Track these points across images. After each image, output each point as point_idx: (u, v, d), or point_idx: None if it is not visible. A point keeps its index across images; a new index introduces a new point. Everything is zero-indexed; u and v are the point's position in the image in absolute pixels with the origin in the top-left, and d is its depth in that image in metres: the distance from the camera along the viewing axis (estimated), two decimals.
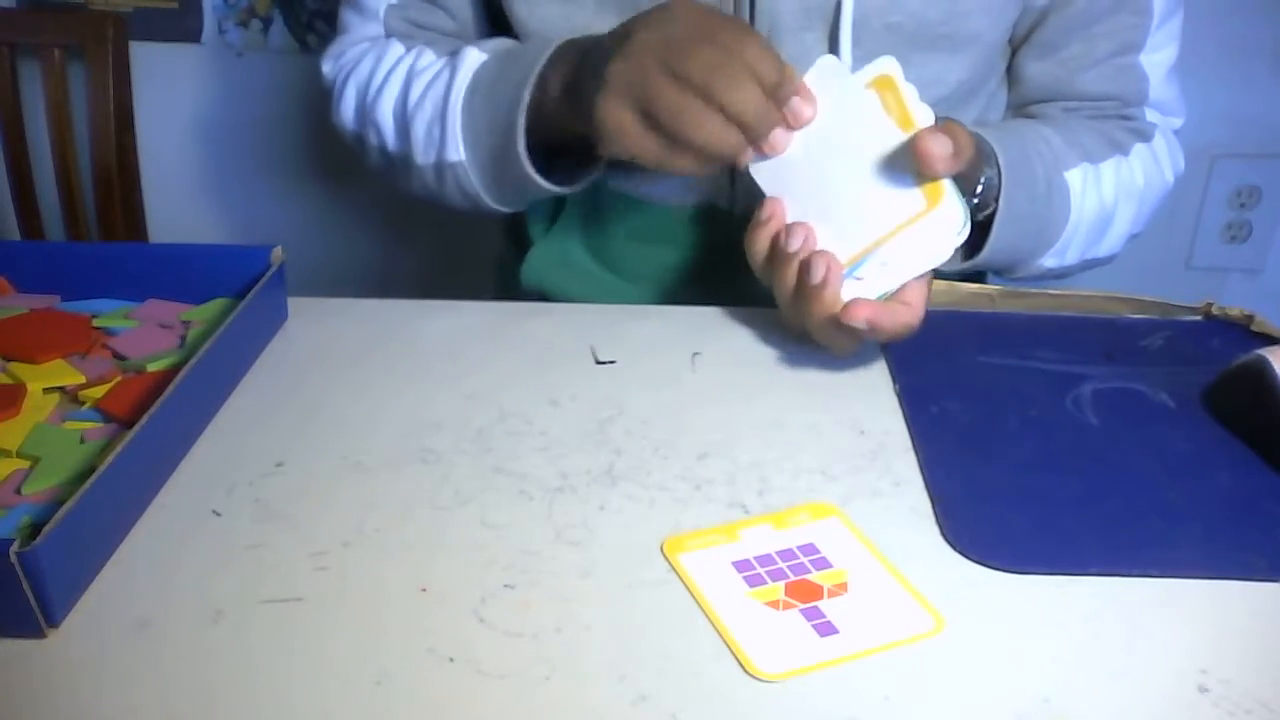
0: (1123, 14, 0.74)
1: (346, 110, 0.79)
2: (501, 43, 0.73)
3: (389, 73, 0.77)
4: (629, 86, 0.58)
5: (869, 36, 0.70)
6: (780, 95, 0.57)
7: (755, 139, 0.58)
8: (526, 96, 0.66)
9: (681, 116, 0.56)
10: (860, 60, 0.71)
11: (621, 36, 0.59)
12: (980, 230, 0.69)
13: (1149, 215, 0.78)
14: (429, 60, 0.75)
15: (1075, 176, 0.71)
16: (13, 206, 1.32)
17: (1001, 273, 0.75)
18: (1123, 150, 0.75)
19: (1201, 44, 1.29)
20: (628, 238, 0.80)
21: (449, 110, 0.71)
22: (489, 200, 0.74)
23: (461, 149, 0.71)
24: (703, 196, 0.77)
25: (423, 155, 0.74)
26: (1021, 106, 0.80)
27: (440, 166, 0.73)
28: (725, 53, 0.56)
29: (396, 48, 0.78)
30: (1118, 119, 0.77)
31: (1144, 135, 0.77)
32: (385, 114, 0.76)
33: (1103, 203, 0.73)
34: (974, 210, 0.67)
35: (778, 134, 0.59)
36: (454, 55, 0.73)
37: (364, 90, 0.78)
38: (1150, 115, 0.78)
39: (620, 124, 0.58)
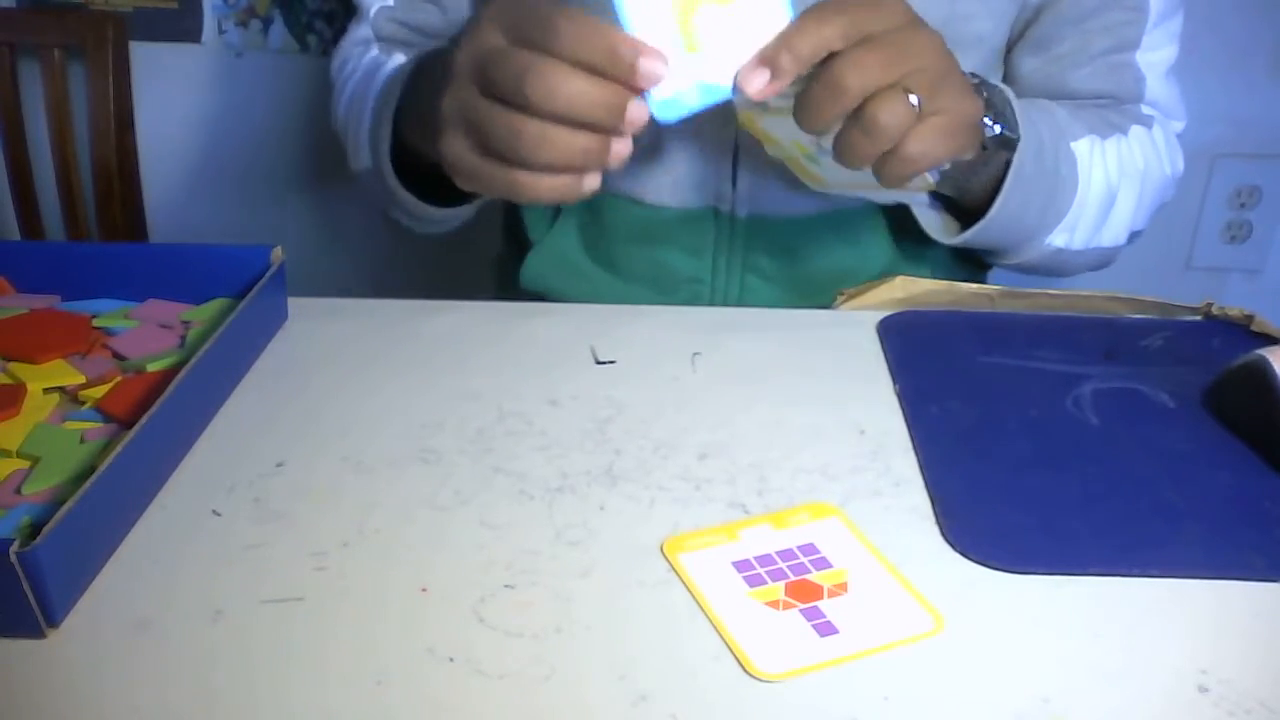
0: (1116, 10, 0.74)
1: (331, 116, 0.81)
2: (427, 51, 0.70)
3: (348, 80, 0.78)
4: (460, 121, 0.52)
5: None
6: (619, 67, 0.47)
7: (612, 130, 0.50)
8: (387, 126, 0.65)
9: (516, 141, 0.49)
10: None
11: (448, 59, 0.53)
12: (964, 210, 0.67)
13: (1150, 207, 0.77)
14: (374, 68, 0.75)
15: (1083, 147, 0.70)
16: (13, 206, 1.32)
17: (1006, 253, 0.72)
18: (1122, 130, 0.73)
19: (1201, 44, 1.29)
20: (628, 240, 0.80)
21: (362, 119, 0.72)
22: (402, 218, 0.74)
23: (368, 157, 0.71)
24: (704, 199, 0.77)
25: (352, 160, 0.75)
26: None
27: (360, 174, 0.73)
28: (534, 55, 0.48)
29: (369, 54, 0.78)
30: (1118, 113, 0.77)
31: (1143, 121, 0.76)
32: (339, 122, 0.78)
33: (1108, 179, 0.71)
34: (975, 167, 0.64)
35: (634, 108, 0.48)
36: (385, 63, 0.74)
37: (335, 98, 0.80)
38: (1147, 112, 0.77)
39: (468, 165, 0.52)
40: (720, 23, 0.50)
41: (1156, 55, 0.76)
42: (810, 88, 0.51)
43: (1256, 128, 1.36)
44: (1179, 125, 0.80)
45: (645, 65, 0.47)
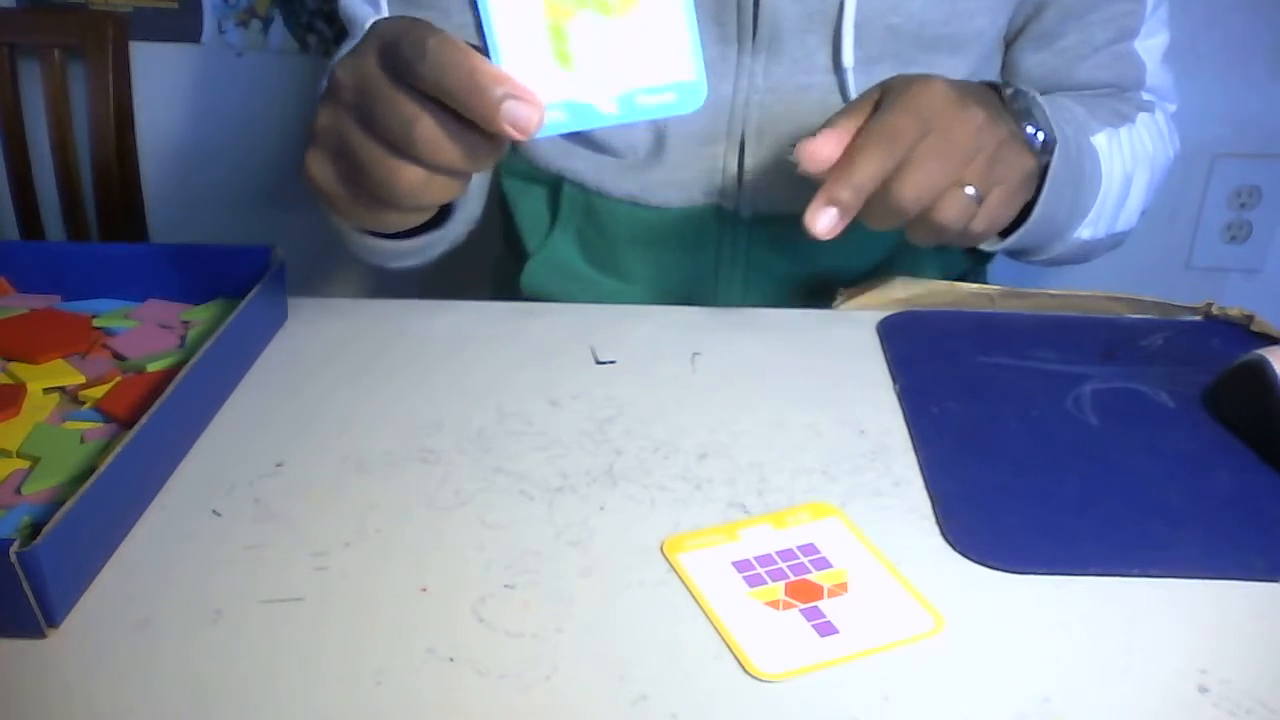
0: (1118, 1, 0.74)
1: None
2: None
3: None
4: (332, 145, 0.48)
5: (871, 38, 0.70)
6: (485, 109, 0.43)
7: (468, 171, 0.47)
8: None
9: (391, 188, 0.47)
10: (863, 62, 0.72)
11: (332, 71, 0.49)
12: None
13: (1157, 187, 0.77)
14: None
15: (1101, 141, 0.70)
16: (13, 206, 1.32)
17: (1036, 251, 0.72)
18: (1129, 120, 0.74)
19: (1201, 44, 1.29)
20: (630, 242, 0.80)
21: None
22: (361, 254, 0.68)
23: None
24: (708, 197, 0.77)
25: None
26: None
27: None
28: (410, 104, 0.45)
29: None
30: (1119, 100, 0.77)
31: (1145, 107, 0.77)
32: None
33: (1125, 169, 0.72)
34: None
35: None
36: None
37: None
38: (1147, 98, 0.78)
39: (330, 192, 0.49)
40: (599, 35, 0.44)
41: (1154, 41, 0.77)
42: (871, 205, 0.54)
43: (1256, 128, 1.36)
44: (1172, 107, 0.80)
45: (511, 111, 0.43)
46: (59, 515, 0.41)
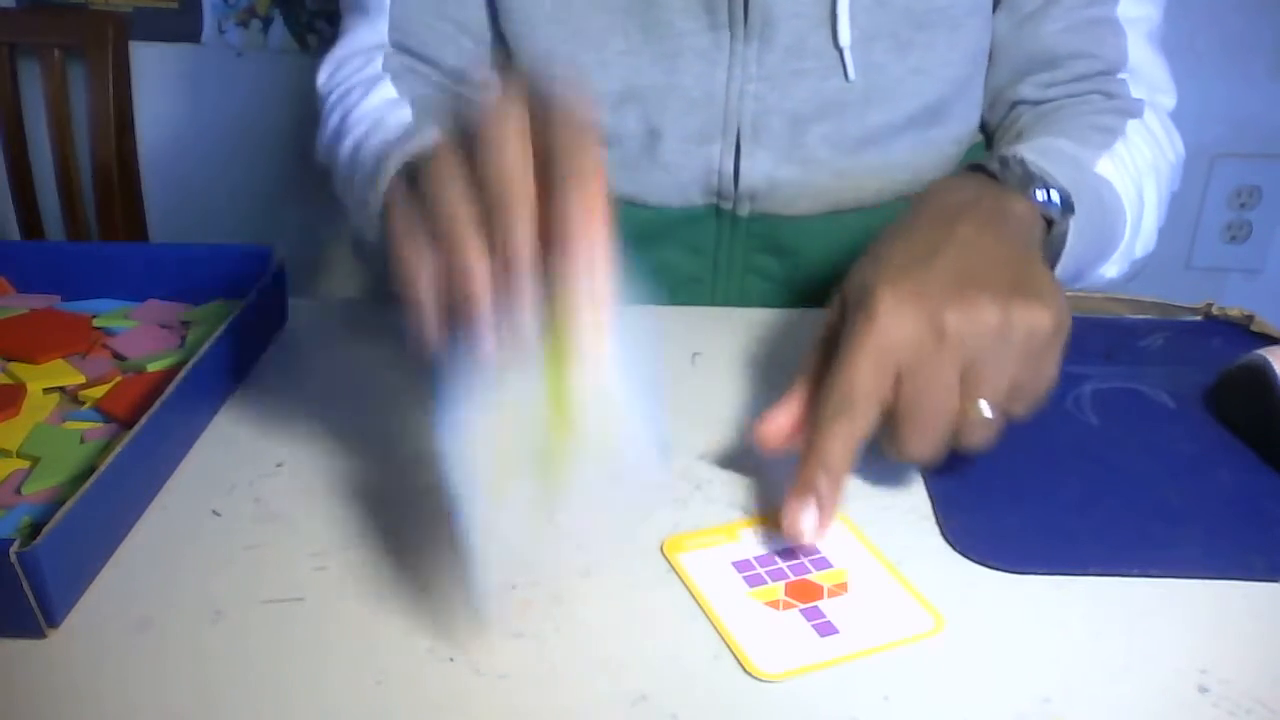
0: None
1: (321, 140, 0.74)
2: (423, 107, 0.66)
3: (349, 115, 0.70)
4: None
5: (865, 15, 0.70)
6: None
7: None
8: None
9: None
10: (858, 41, 0.71)
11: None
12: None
13: (1167, 197, 0.72)
14: (385, 115, 0.68)
15: (1106, 167, 0.65)
16: (13, 206, 1.32)
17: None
18: (1120, 133, 0.69)
19: (1201, 44, 1.29)
20: (628, 241, 0.80)
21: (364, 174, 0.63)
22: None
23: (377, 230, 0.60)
24: (706, 198, 0.77)
25: (354, 216, 0.66)
26: (995, 90, 0.76)
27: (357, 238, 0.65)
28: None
29: (385, 89, 0.71)
30: (1101, 96, 0.72)
31: (1133, 112, 0.70)
32: (335, 156, 0.70)
33: (1137, 188, 0.66)
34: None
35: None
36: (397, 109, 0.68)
37: (327, 122, 0.72)
38: (1136, 90, 0.72)
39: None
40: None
41: (1137, 13, 0.72)
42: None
43: (1256, 128, 1.36)
44: (1169, 102, 0.74)
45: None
46: (59, 515, 0.41)
